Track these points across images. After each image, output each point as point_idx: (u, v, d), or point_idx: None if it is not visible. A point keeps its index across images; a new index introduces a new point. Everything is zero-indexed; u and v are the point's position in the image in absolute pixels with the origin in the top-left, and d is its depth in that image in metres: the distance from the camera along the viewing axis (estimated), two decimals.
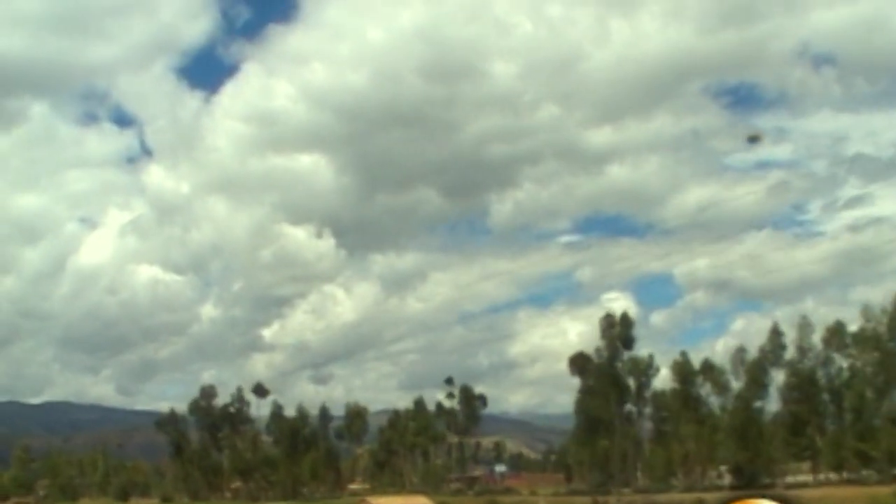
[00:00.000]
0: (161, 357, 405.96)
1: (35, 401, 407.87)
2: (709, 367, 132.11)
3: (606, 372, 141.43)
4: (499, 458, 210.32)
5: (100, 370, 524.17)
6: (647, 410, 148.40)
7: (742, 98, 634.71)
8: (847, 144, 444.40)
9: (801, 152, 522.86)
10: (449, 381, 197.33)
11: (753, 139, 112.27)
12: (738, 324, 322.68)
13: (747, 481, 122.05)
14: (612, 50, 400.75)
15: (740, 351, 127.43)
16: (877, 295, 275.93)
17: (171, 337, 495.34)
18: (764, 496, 7.77)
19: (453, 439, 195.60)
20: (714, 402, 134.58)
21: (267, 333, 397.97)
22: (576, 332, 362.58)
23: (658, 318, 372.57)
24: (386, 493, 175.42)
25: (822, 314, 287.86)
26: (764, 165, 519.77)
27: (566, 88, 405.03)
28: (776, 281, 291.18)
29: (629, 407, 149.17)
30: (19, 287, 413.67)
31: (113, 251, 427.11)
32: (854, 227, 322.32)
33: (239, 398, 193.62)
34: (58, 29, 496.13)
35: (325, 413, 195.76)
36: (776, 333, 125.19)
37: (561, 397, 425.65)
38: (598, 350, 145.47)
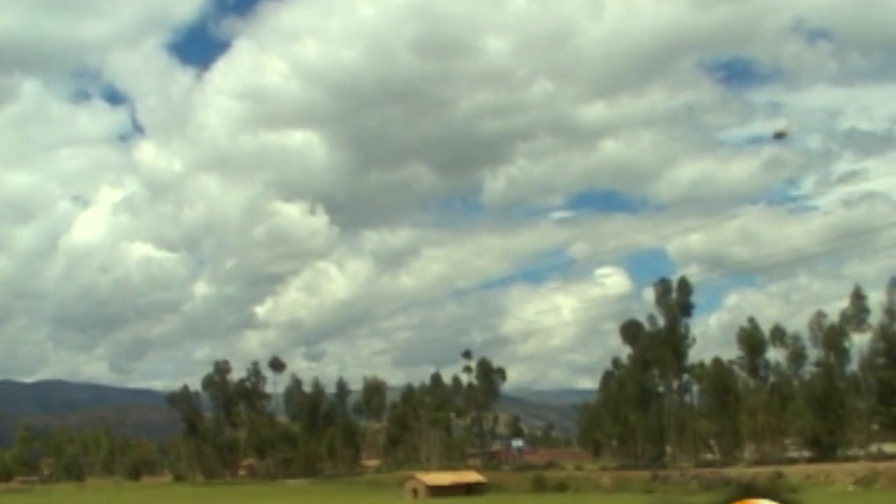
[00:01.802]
0: (154, 335, 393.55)
1: (29, 380, 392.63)
2: (779, 334, 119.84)
3: (665, 340, 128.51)
4: (517, 434, 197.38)
5: (93, 349, 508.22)
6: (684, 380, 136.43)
7: (736, 73, 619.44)
8: (842, 119, 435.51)
9: (795, 127, 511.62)
10: (467, 354, 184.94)
11: (780, 135, 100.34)
12: (732, 299, 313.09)
13: (825, 453, 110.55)
14: (605, 25, 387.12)
15: (819, 316, 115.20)
16: (870, 270, 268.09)
17: (165, 315, 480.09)
18: (764, 496, 5.97)
19: (471, 414, 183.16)
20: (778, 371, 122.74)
21: (260, 311, 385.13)
22: (569, 307, 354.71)
23: (652, 293, 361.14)
24: (404, 468, 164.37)
25: (816, 289, 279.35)
26: (757, 140, 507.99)
27: (560, 64, 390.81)
28: (769, 256, 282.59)
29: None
30: (12, 266, 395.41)
31: (106, 229, 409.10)
32: (848, 203, 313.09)
33: (255, 373, 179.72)
34: (50, 6, 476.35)
35: (342, 388, 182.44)
36: (858, 297, 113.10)
37: (554, 373, 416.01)
38: (651, 317, 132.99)
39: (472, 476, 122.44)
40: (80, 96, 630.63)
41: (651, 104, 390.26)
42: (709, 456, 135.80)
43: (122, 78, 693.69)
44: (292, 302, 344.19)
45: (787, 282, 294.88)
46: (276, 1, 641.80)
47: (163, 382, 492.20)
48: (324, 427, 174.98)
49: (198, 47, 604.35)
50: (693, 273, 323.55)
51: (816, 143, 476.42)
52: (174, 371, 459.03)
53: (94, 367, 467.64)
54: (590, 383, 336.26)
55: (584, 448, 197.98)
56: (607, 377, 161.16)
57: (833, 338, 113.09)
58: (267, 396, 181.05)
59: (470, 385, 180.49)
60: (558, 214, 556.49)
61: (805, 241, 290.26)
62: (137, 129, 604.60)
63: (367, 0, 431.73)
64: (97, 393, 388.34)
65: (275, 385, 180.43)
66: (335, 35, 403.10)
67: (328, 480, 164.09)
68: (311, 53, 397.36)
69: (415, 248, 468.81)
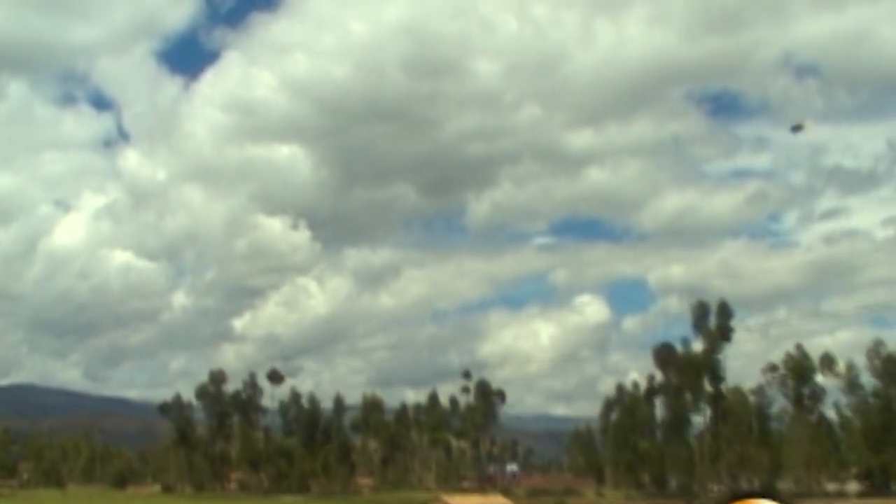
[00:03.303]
0: (130, 344, 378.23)
1: (1, 383, 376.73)
2: (829, 361, 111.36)
3: (701, 365, 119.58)
4: (513, 458, 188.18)
5: (68, 354, 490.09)
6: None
7: (724, 106, 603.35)
8: (826, 156, 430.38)
9: (779, 162, 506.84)
10: (467, 374, 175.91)
11: (797, 128, 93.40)
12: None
13: (878, 488, 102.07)
14: (596, 52, 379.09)
15: (877, 345, 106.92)
16: (849, 306, 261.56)
17: (142, 324, 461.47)
18: (764, 496, 6.39)
19: (471, 436, 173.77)
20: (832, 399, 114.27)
21: (238, 324, 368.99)
22: (547, 334, 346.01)
23: (630, 322, 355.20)
24: (401, 489, 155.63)
25: (795, 324, 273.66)
26: (742, 174, 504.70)
27: (548, 89, 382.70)
28: (750, 289, 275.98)
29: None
30: None
31: (86, 235, 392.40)
32: (829, 239, 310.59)
33: (251, 384, 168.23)
34: (39, 7, 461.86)
35: (339, 403, 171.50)
36: None
37: (530, 399, 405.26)
38: (684, 341, 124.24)
39: (498, 500, 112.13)
40: (67, 100, 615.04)
41: (638, 133, 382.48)
42: (716, 488, 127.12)
43: (109, 83, 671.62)
44: (271, 316, 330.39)
45: (767, 316, 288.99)
46: (268, 14, 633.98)
47: (137, 391, 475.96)
48: (321, 443, 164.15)
49: (187, 57, 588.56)
50: (673, 304, 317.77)
51: (800, 178, 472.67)
52: (149, 381, 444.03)
53: (67, 374, 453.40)
54: (564, 410, 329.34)
55: (576, 474, 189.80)
56: (609, 404, 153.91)
57: (891, 368, 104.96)
58: (263, 409, 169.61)
59: (469, 406, 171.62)
60: (541, 240, 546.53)
61: (785, 276, 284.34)
62: (122, 136, 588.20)
63: (358, 17, 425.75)
64: (70, 399, 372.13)
65: (271, 398, 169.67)
66: (325, 51, 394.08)
67: (323, 498, 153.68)
68: (301, 68, 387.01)
69: (396, 267, 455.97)
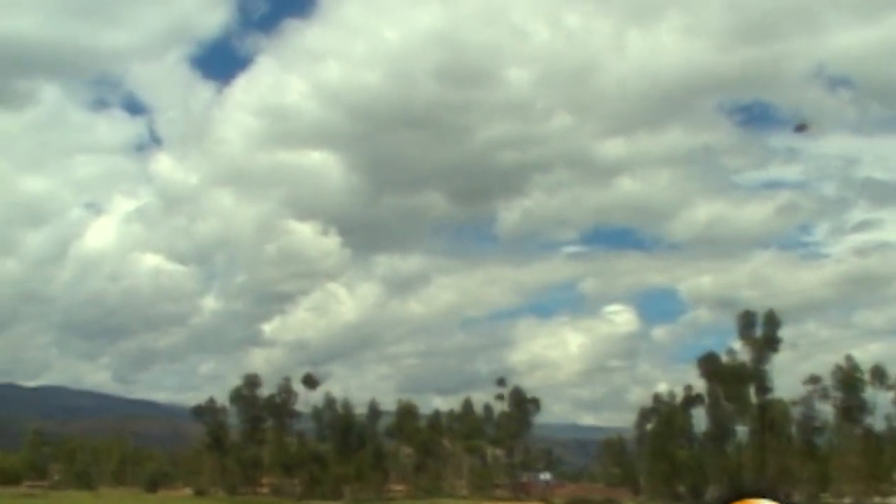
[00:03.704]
0: (160, 347, 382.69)
1: (31, 384, 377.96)
2: (880, 373, 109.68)
3: (750, 375, 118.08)
4: (548, 466, 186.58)
5: (98, 357, 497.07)
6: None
7: (756, 116, 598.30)
8: (858, 167, 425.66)
9: (811, 173, 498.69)
10: (501, 382, 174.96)
11: (801, 127, 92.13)
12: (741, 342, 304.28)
13: None
14: (628, 62, 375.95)
15: None
16: (880, 319, 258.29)
17: (171, 327, 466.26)
18: (764, 496, 6.24)
19: (507, 443, 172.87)
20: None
21: (267, 328, 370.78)
22: (577, 343, 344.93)
23: (660, 332, 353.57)
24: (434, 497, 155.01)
25: (824, 337, 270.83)
26: (773, 185, 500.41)
27: (580, 98, 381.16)
28: (780, 301, 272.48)
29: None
30: (21, 270, 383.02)
31: (117, 238, 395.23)
32: (860, 251, 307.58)
33: (286, 389, 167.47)
34: (74, 12, 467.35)
35: (374, 409, 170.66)
36: None
37: (557, 407, 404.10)
38: (730, 352, 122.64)
39: None
40: (100, 104, 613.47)
41: (669, 143, 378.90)
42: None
43: (142, 88, 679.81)
44: (300, 322, 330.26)
45: (796, 328, 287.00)
46: (301, 20, 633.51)
47: (165, 395, 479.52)
48: (355, 449, 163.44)
49: (220, 62, 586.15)
50: (703, 314, 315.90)
51: (832, 190, 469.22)
52: (177, 384, 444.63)
53: (97, 376, 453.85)
54: (592, 419, 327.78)
55: (608, 483, 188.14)
56: (645, 413, 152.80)
57: None
58: (297, 414, 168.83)
59: (504, 413, 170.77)
60: (571, 249, 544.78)
61: (816, 288, 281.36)
62: (155, 140, 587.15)
63: (390, 25, 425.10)
64: (98, 401, 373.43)
65: (305, 403, 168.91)
66: (357, 58, 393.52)
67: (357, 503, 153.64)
68: (333, 75, 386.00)
69: (425, 274, 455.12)
